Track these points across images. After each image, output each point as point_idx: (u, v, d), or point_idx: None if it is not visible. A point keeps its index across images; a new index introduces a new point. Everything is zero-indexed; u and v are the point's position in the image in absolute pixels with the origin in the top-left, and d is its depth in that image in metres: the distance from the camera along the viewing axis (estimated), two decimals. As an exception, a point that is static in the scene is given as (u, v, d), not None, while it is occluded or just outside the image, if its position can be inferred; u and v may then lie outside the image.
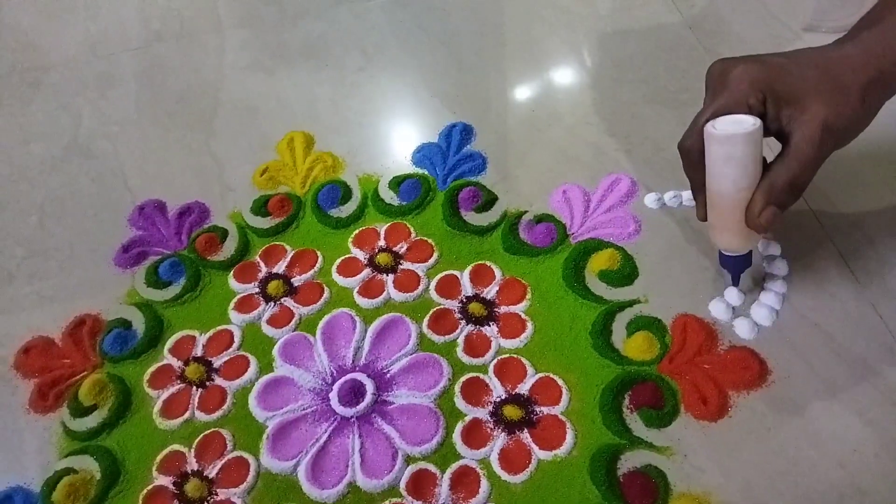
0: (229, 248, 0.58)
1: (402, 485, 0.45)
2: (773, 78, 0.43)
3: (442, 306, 0.53)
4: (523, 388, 0.49)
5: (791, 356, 0.48)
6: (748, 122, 0.43)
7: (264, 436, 0.48)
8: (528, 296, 0.53)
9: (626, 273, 0.53)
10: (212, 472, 0.47)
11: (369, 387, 0.49)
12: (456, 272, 0.55)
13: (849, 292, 0.51)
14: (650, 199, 0.58)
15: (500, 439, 0.47)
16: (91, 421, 0.50)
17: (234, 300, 0.55)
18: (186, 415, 0.50)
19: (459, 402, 0.48)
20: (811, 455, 0.44)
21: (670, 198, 0.57)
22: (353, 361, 0.51)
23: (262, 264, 0.57)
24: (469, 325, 0.52)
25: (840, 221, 0.55)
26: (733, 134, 0.42)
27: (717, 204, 0.46)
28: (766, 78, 0.43)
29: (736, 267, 0.50)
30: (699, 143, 0.45)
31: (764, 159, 0.45)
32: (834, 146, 0.43)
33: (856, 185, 0.57)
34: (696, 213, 0.50)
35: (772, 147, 0.45)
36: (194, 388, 0.51)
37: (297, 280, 0.56)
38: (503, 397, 0.48)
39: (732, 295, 0.51)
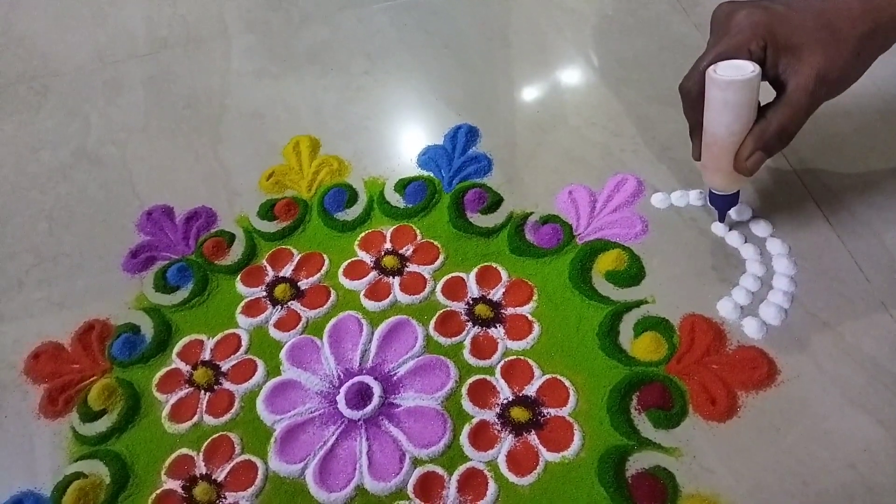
0: (236, 252, 0.59)
1: (410, 487, 0.45)
2: (774, 25, 0.44)
3: (448, 308, 0.53)
4: (530, 390, 0.49)
5: (800, 356, 0.48)
6: (748, 69, 0.44)
7: (272, 439, 0.48)
8: (535, 297, 0.53)
9: (633, 273, 0.53)
10: (220, 475, 0.47)
11: (376, 389, 0.49)
12: (462, 274, 0.55)
13: (858, 291, 0.50)
14: (657, 199, 0.57)
15: (507, 441, 0.47)
16: (100, 425, 0.50)
17: (242, 304, 0.55)
18: (195, 419, 0.50)
19: (466, 404, 0.48)
20: (821, 455, 0.44)
21: (677, 197, 0.57)
22: (360, 364, 0.51)
23: (269, 268, 0.57)
24: (476, 327, 0.52)
25: (850, 220, 0.54)
26: (734, 80, 0.44)
27: (711, 146, 0.48)
28: (767, 24, 0.44)
29: (723, 205, 0.53)
30: (700, 86, 0.46)
31: (759, 104, 0.46)
32: (826, 96, 0.45)
33: (865, 183, 0.56)
34: (691, 153, 0.52)
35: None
36: (202, 392, 0.51)
37: (303, 283, 0.56)
38: (510, 399, 0.48)
39: (718, 228, 0.55)
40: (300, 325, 0.54)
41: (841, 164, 0.58)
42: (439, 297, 0.54)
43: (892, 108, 0.61)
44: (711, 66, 0.45)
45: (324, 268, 0.57)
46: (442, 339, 0.52)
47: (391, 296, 0.54)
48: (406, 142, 0.65)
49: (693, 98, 0.48)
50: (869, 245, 0.53)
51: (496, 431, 0.47)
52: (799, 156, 0.59)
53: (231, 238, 0.59)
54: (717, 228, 0.55)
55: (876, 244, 0.53)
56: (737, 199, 0.52)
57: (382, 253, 0.57)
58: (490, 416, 0.48)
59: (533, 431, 0.47)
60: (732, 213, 0.55)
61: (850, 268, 0.52)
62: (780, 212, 0.55)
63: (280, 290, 0.55)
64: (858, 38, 0.43)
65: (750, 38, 0.44)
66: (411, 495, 0.45)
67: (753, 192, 0.57)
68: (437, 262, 0.56)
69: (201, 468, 0.47)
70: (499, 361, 0.50)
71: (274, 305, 0.55)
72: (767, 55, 0.45)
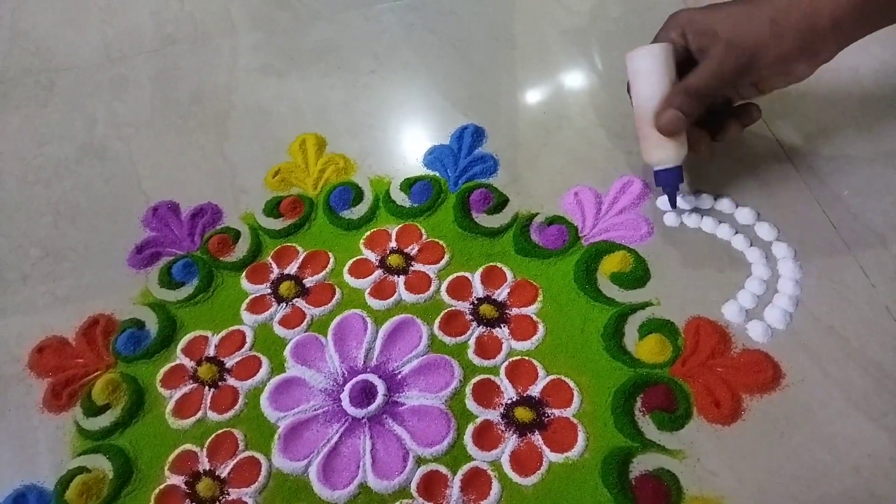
0: (242, 249, 0.59)
1: (413, 486, 0.45)
2: (697, 15, 0.50)
3: (453, 308, 0.53)
4: (535, 390, 0.49)
5: (805, 359, 0.48)
6: (656, 46, 0.51)
7: (276, 436, 0.48)
8: (540, 298, 0.53)
9: (638, 275, 0.53)
10: (224, 471, 0.47)
11: (380, 388, 0.49)
12: (467, 274, 0.55)
13: (863, 295, 0.51)
14: (662, 202, 0.57)
15: (511, 441, 0.47)
16: (104, 420, 0.50)
17: (247, 301, 0.55)
18: (199, 415, 0.50)
19: (470, 404, 0.48)
20: (825, 459, 0.44)
21: (682, 200, 0.57)
22: (364, 362, 0.51)
23: (274, 265, 0.57)
24: (480, 327, 0.52)
25: (854, 224, 0.54)
26: (637, 51, 0.51)
27: (637, 119, 0.53)
28: (690, 16, 0.50)
29: (666, 182, 0.54)
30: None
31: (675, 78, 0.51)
32: (737, 61, 0.48)
33: (871, 188, 0.56)
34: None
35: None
36: (207, 388, 0.51)
37: (308, 281, 0.56)
38: (514, 399, 0.48)
39: (671, 218, 0.56)
40: (305, 322, 0.54)
41: (847, 169, 0.58)
42: (444, 296, 0.54)
43: (892, 110, 0.61)
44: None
45: (329, 266, 0.57)
46: (446, 339, 0.52)
47: (396, 294, 0.54)
48: (412, 141, 0.65)
49: (628, 87, 0.54)
50: (874, 250, 0.53)
51: (500, 431, 0.47)
52: (805, 160, 0.59)
53: (236, 235, 0.59)
54: (670, 218, 0.56)
55: (881, 249, 0.53)
56: (680, 177, 0.53)
57: (388, 252, 0.57)
58: (494, 415, 0.48)
59: (537, 432, 0.47)
60: (683, 202, 0.56)
61: (855, 272, 0.52)
62: (786, 216, 0.55)
63: (285, 287, 0.55)
64: (772, 8, 0.46)
65: (670, 27, 0.51)
66: (415, 494, 0.45)
67: (759, 195, 0.57)
68: (443, 262, 0.56)
69: (205, 464, 0.47)
70: (503, 361, 0.50)
71: (279, 303, 0.55)
72: (689, 40, 0.50)
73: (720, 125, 0.54)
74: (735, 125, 0.53)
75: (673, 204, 0.55)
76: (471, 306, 0.53)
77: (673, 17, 0.52)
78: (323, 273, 0.57)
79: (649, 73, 0.51)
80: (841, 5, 0.45)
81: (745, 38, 0.47)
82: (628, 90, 0.54)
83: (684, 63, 0.51)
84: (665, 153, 0.52)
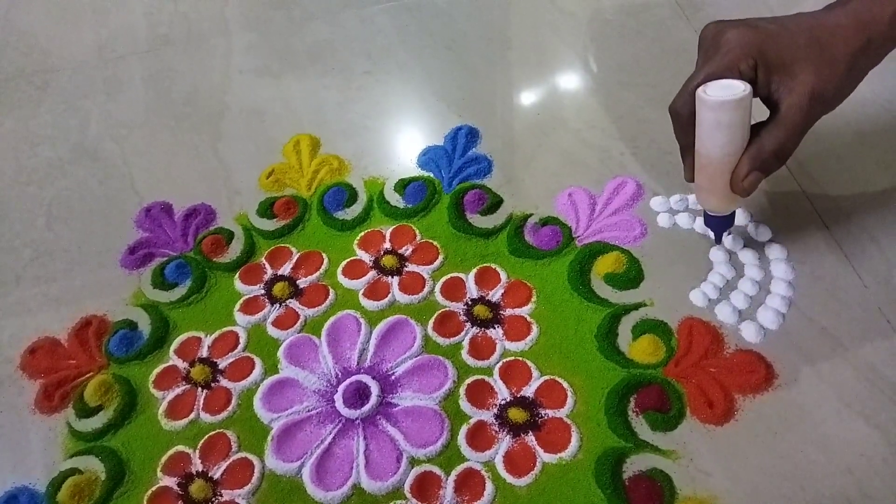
0: (235, 249, 0.59)
1: (407, 487, 0.45)
2: (764, 44, 0.44)
3: (447, 308, 0.53)
4: (528, 391, 0.49)
5: (798, 360, 0.48)
6: (738, 88, 0.43)
7: (269, 437, 0.48)
8: (534, 298, 0.53)
9: (631, 276, 0.53)
10: (216, 473, 0.47)
11: (374, 389, 0.49)
12: (461, 274, 0.55)
13: (855, 296, 0.51)
14: (656, 203, 0.58)
15: (504, 442, 0.47)
16: (96, 421, 0.50)
17: (240, 302, 0.55)
18: (191, 416, 0.50)
19: (464, 405, 0.48)
20: (818, 459, 0.44)
21: (676, 201, 0.57)
22: (357, 363, 0.51)
23: (267, 266, 0.57)
24: (474, 328, 0.52)
25: (847, 224, 0.54)
26: (725, 101, 0.43)
27: (705, 167, 0.47)
28: (757, 43, 0.44)
29: (719, 227, 0.52)
30: (690, 107, 0.46)
31: (750, 123, 0.46)
32: (820, 113, 0.45)
33: (863, 188, 0.57)
34: (683, 174, 0.51)
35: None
36: (199, 389, 0.51)
37: (302, 282, 0.56)
38: (508, 400, 0.48)
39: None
40: (298, 323, 0.54)
41: (840, 170, 0.58)
42: (438, 297, 0.54)
43: (890, 116, 0.61)
44: (701, 87, 0.44)
45: (323, 266, 0.57)
46: (440, 340, 0.52)
47: (390, 295, 0.54)
48: (406, 142, 0.65)
49: (684, 120, 0.47)
50: (867, 251, 0.53)
51: (494, 432, 0.47)
52: (798, 162, 0.59)
53: (230, 235, 0.59)
54: (715, 254, 0.54)
55: (874, 250, 0.53)
56: (733, 220, 0.52)
57: (382, 252, 0.57)
58: (488, 416, 0.48)
59: (530, 432, 0.47)
60: (727, 240, 0.54)
61: (847, 273, 0.52)
62: (780, 217, 0.56)
63: (279, 288, 0.55)
64: (851, 54, 0.43)
65: (740, 56, 0.44)
66: (408, 495, 0.45)
67: (753, 197, 0.57)
68: (437, 263, 0.56)
69: (197, 465, 0.47)
70: (497, 362, 0.50)
71: (272, 303, 0.55)
72: (759, 74, 0.44)
73: None
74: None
75: (719, 240, 0.54)
76: (465, 307, 0.53)
77: (740, 42, 0.44)
78: (317, 274, 0.56)
79: (733, 125, 0.44)
80: (882, 31, 0.43)
81: (829, 88, 0.43)
82: (677, 116, 0.47)
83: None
84: (729, 204, 0.49)
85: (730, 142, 0.45)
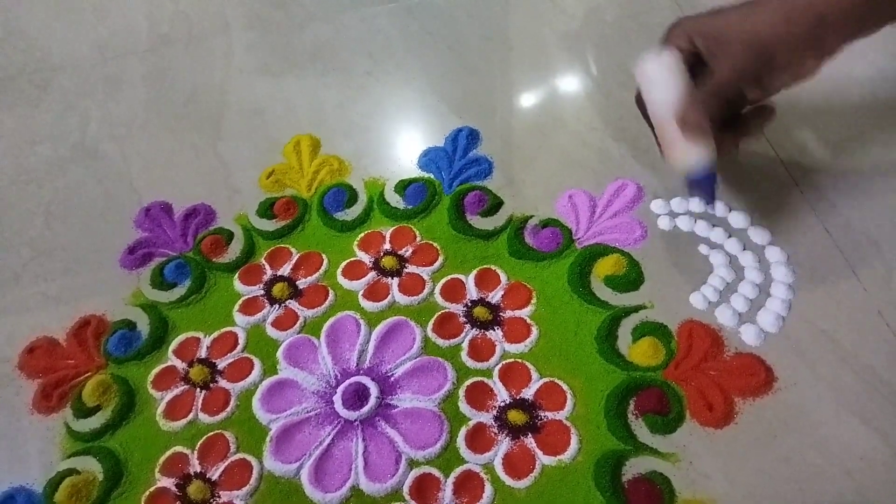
0: (235, 250, 0.58)
1: (406, 489, 0.45)
2: (705, 21, 0.49)
3: (447, 310, 0.53)
4: (528, 393, 0.49)
5: (797, 363, 0.48)
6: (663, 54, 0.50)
7: (267, 438, 0.48)
8: (534, 300, 0.53)
9: (631, 278, 0.53)
10: (214, 474, 0.47)
11: (373, 390, 0.49)
12: (461, 276, 0.55)
13: (855, 299, 0.51)
14: (656, 205, 0.57)
15: (504, 444, 0.47)
16: (94, 422, 0.50)
17: (239, 302, 0.55)
18: (190, 416, 0.50)
19: (463, 407, 0.48)
20: (818, 463, 0.44)
21: (677, 204, 0.57)
22: (357, 364, 0.51)
23: (267, 267, 0.57)
24: (474, 330, 0.52)
25: (847, 228, 0.54)
26: (643, 60, 0.50)
27: (658, 126, 0.51)
28: (696, 23, 0.50)
29: (703, 189, 0.52)
30: (639, 91, 0.52)
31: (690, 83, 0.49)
32: (756, 58, 0.47)
33: (863, 192, 0.57)
34: (661, 156, 0.53)
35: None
36: (198, 389, 0.51)
37: (302, 283, 0.56)
38: (507, 402, 0.48)
39: (664, 221, 0.56)
40: (298, 324, 0.53)
41: (839, 173, 0.58)
42: (438, 298, 0.54)
43: (890, 119, 0.61)
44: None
45: (322, 267, 0.57)
46: (440, 341, 0.52)
47: (390, 296, 0.54)
48: (407, 143, 0.65)
49: (640, 103, 0.52)
50: (867, 254, 0.53)
51: (493, 434, 0.47)
52: (798, 165, 0.59)
53: (230, 236, 0.59)
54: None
55: (874, 253, 0.53)
56: (714, 179, 0.51)
57: (381, 253, 0.57)
58: (487, 418, 0.48)
59: (530, 434, 0.47)
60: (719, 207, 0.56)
61: (847, 277, 0.52)
62: (779, 220, 0.55)
63: (278, 288, 0.55)
64: (782, 2, 0.46)
65: (674, 36, 0.50)
66: (407, 497, 0.45)
67: (753, 199, 0.57)
68: (437, 264, 0.56)
69: (195, 466, 0.47)
70: (496, 364, 0.50)
71: (272, 304, 0.55)
72: (699, 45, 0.49)
73: (740, 128, 0.53)
74: (755, 123, 0.52)
75: (712, 200, 0.53)
76: (464, 308, 0.53)
77: (676, 26, 0.51)
78: (316, 275, 0.56)
79: (665, 79, 0.50)
80: None
81: (760, 35, 0.47)
82: (638, 103, 0.53)
83: (692, 70, 0.50)
84: (692, 154, 0.49)
85: (666, 93, 0.50)
